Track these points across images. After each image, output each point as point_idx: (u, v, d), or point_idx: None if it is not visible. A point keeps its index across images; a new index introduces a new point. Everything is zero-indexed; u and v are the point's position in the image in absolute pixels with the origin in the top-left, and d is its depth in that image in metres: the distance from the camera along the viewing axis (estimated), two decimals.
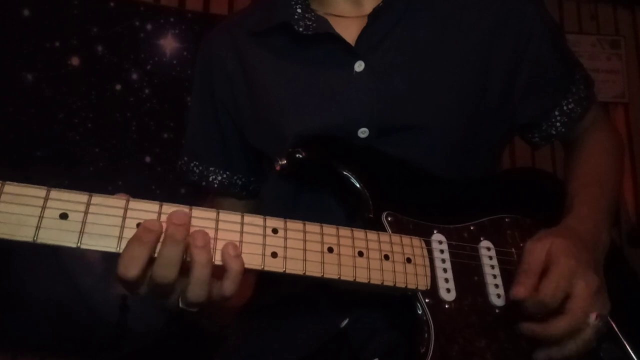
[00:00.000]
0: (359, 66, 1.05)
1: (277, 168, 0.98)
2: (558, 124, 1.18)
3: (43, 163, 2.75)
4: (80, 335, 2.66)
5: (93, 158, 2.87)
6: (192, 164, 1.23)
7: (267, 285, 1.12)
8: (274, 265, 0.82)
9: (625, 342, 1.00)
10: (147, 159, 2.92)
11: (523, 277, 0.90)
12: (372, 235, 0.90)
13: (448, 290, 0.92)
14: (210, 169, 1.22)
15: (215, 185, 1.22)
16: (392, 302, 0.94)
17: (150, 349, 2.52)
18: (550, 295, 0.87)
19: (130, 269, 0.72)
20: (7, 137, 2.76)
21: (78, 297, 2.70)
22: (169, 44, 3.07)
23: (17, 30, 2.86)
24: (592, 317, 0.88)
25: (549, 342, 0.90)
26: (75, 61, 2.93)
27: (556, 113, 1.17)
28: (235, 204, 1.24)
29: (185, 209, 0.79)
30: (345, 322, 0.98)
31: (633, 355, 0.99)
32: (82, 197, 0.75)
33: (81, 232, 0.73)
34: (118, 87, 2.97)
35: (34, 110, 2.83)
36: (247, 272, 0.79)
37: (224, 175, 1.22)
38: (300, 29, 1.08)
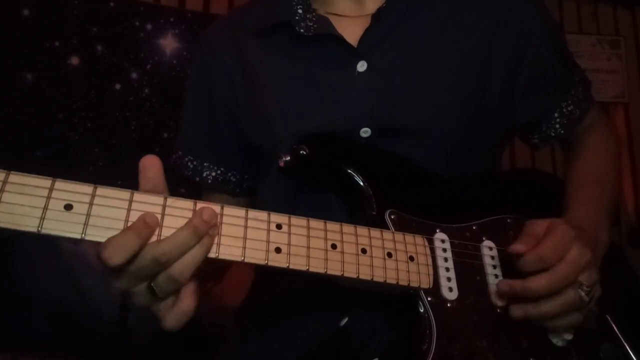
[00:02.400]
0: (362, 66, 1.05)
1: (281, 165, 0.98)
2: (557, 125, 1.18)
3: (43, 163, 2.75)
4: (80, 335, 2.65)
5: (93, 158, 2.86)
6: (186, 159, 1.22)
7: (266, 285, 1.12)
8: (278, 261, 0.81)
9: (625, 342, 1.00)
10: None
11: (522, 238, 0.92)
12: (375, 232, 0.90)
13: (450, 289, 0.93)
14: (205, 164, 1.21)
15: (209, 181, 1.21)
16: (393, 300, 0.94)
17: (150, 349, 2.51)
18: (549, 250, 0.89)
19: (118, 257, 0.72)
20: (7, 137, 2.76)
21: (78, 297, 2.69)
22: (169, 43, 3.07)
23: (17, 30, 2.86)
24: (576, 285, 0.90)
25: (526, 298, 0.91)
26: (75, 61, 2.93)
27: (556, 115, 1.18)
28: (228, 200, 1.23)
29: (189, 203, 0.79)
30: (345, 321, 0.98)
31: (633, 355, 0.99)
32: (87, 189, 0.75)
33: (85, 224, 0.73)
34: (118, 86, 2.96)
35: (34, 110, 2.83)
36: (248, 266, 0.80)
37: (218, 172, 1.21)
38: (301, 30, 1.08)
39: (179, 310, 0.77)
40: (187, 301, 0.77)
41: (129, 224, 0.75)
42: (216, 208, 0.80)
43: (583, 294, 0.89)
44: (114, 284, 0.77)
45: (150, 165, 0.79)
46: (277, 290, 1.05)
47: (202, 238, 0.76)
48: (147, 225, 0.74)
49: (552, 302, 0.89)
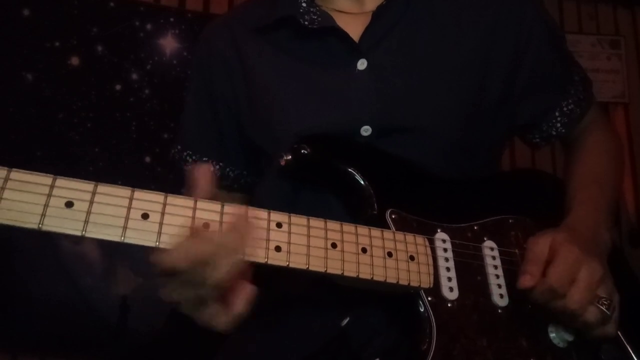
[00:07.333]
0: (362, 64, 1.05)
1: (282, 163, 0.98)
2: (558, 124, 1.18)
3: (43, 163, 2.75)
4: (80, 335, 2.65)
5: (93, 158, 2.86)
6: (184, 153, 1.22)
7: (267, 285, 1.12)
8: (278, 259, 0.82)
9: (625, 343, 1.00)
10: (147, 159, 2.92)
11: (528, 267, 0.92)
12: (375, 232, 0.90)
13: (451, 289, 0.92)
14: (204, 159, 1.21)
15: None
16: (394, 300, 0.94)
17: (150, 349, 2.51)
18: (558, 280, 0.89)
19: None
20: (7, 137, 2.76)
21: (78, 297, 2.69)
22: (169, 44, 3.06)
23: (17, 30, 2.86)
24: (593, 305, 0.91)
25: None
26: (75, 61, 2.93)
27: (556, 114, 1.18)
28: (224, 196, 1.22)
29: (190, 200, 0.79)
30: (346, 321, 0.98)
31: (634, 355, 0.99)
32: (88, 186, 0.75)
33: (86, 221, 0.73)
34: (118, 87, 2.96)
35: (34, 110, 2.83)
36: (250, 266, 0.80)
37: (217, 167, 1.21)
38: (306, 23, 1.07)
39: (229, 313, 0.79)
40: (238, 305, 0.79)
41: (130, 222, 0.75)
42: (216, 206, 0.80)
43: (603, 308, 0.90)
44: (172, 294, 0.77)
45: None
46: (278, 290, 1.05)
47: (242, 236, 0.77)
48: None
49: (576, 323, 0.92)
